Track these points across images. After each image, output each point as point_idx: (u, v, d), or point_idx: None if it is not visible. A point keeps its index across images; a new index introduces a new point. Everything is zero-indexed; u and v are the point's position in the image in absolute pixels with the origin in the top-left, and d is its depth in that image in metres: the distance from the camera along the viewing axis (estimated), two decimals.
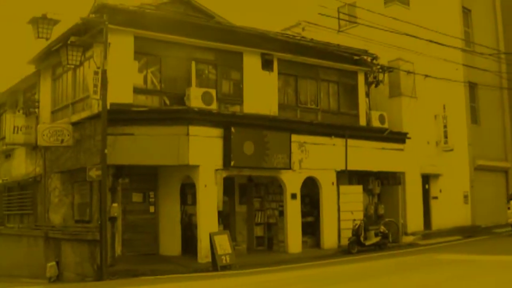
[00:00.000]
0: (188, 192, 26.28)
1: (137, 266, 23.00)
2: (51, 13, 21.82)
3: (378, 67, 31.83)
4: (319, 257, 25.83)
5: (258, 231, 28.71)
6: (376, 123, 30.79)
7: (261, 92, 27.31)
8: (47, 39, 22.24)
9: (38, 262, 28.78)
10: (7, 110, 34.38)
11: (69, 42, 23.35)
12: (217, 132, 24.36)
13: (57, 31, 23.73)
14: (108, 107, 22.61)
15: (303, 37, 30.32)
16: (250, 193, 28.82)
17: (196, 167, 23.85)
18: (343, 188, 29.09)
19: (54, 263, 26.70)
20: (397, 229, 30.10)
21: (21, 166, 31.94)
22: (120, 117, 23.29)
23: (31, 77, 30.80)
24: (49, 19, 21.51)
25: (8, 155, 34.14)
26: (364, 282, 17.64)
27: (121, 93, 23.53)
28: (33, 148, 29.85)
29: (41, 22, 21.47)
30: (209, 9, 30.05)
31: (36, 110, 29.75)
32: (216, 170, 24.24)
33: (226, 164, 24.35)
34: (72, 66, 24.36)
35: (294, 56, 28.46)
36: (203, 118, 24.12)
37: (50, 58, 27.82)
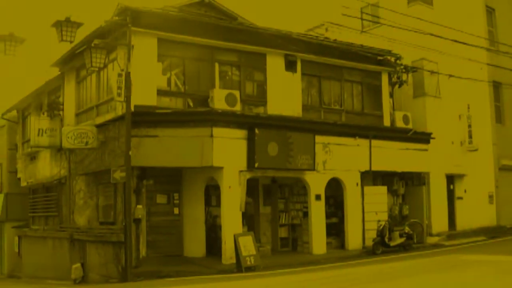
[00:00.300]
0: (212, 194, 26.32)
1: (161, 267, 23.07)
2: (74, 16, 21.87)
3: (402, 67, 31.71)
4: (344, 258, 25.79)
5: (283, 232, 28.69)
6: (400, 124, 30.68)
7: (285, 93, 27.29)
8: (71, 42, 22.28)
9: (63, 263, 28.94)
10: (31, 113, 34.61)
11: (92, 44, 23.45)
12: (241, 133, 24.35)
13: (81, 34, 23.85)
14: (132, 109, 22.72)
15: (326, 37, 30.32)
16: (274, 194, 28.80)
17: (220, 168, 23.86)
18: (367, 189, 28.98)
19: (79, 264, 26.85)
20: (421, 229, 29.96)
21: (46, 169, 32.12)
22: (144, 119, 23.40)
23: (55, 79, 30.98)
24: (73, 22, 21.53)
25: (33, 157, 34.36)
26: (390, 282, 17.53)
27: (145, 95, 23.63)
28: (57, 150, 29.98)
29: (64, 25, 21.49)
30: (231, 11, 30.12)
31: (61, 112, 29.89)
32: (240, 171, 24.24)
33: (250, 165, 24.34)
34: (96, 69, 24.43)
35: (318, 57, 28.43)
36: (227, 119, 24.15)
37: (74, 61, 27.97)
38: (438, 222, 32.71)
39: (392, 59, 31.30)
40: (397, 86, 32.00)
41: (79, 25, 21.89)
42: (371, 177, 29.82)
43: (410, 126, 30.86)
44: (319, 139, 26.61)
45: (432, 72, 32.48)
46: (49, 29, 22.16)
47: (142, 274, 22.35)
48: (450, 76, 32.13)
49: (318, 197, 26.87)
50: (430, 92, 33.12)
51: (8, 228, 39.10)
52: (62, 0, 43.02)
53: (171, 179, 25.68)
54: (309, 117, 27.96)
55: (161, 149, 23.27)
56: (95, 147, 25.59)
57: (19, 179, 37.01)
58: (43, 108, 32.49)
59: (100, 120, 25.95)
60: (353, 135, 28.22)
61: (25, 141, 35.92)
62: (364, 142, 28.50)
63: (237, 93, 25.01)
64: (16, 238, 37.86)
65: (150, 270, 22.72)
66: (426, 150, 31.30)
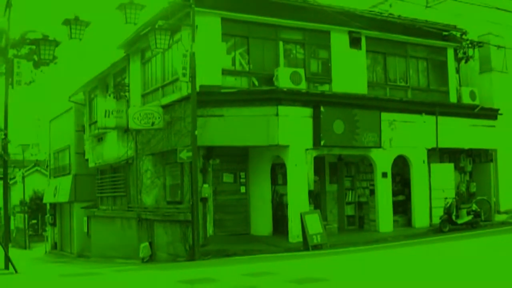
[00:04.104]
0: (278, 172, 26.37)
1: (228, 246, 23.25)
2: None
3: (468, 42, 31.15)
4: (411, 236, 25.57)
5: (349, 210, 28.59)
6: (466, 100, 30.22)
7: (350, 71, 27.11)
8: (135, 23, 22.51)
9: (132, 243, 29.41)
10: (98, 95, 35.05)
11: (157, 26, 23.59)
12: (306, 111, 24.34)
13: (146, 16, 24.06)
14: (198, 89, 22.84)
15: (390, 14, 29.94)
16: (341, 172, 28.69)
17: (286, 147, 23.89)
18: (434, 166, 28.67)
19: (147, 243, 27.26)
20: (489, 207, 29.51)
21: (113, 149, 32.53)
22: (209, 98, 23.52)
23: (120, 61, 31.32)
24: (136, 4, 21.79)
25: (100, 138, 34.82)
26: (459, 260, 17.40)
27: (210, 75, 23.78)
28: (124, 131, 30.38)
29: (128, 7, 21.74)
30: None
31: (127, 94, 30.23)
32: (306, 149, 24.23)
33: (316, 143, 24.30)
34: (161, 50, 24.56)
35: (382, 33, 28.09)
36: (292, 98, 24.14)
37: (139, 43, 28.23)
38: (506, 199, 32.12)
39: (458, 34, 30.76)
40: (463, 61, 31.49)
41: (142, 7, 22.10)
42: (437, 154, 29.48)
43: (477, 102, 30.37)
44: (385, 116, 26.39)
45: (498, 47, 31.88)
46: (114, 12, 22.43)
47: (209, 253, 22.52)
48: None
49: (384, 175, 26.70)
50: (497, 67, 32.52)
51: (77, 209, 39.82)
52: None
53: (237, 158, 25.79)
54: (374, 94, 27.78)
55: (226, 128, 23.41)
56: (161, 127, 25.83)
57: (87, 160, 37.57)
58: (109, 90, 32.90)
59: (165, 100, 26.20)
60: (419, 112, 27.92)
61: (92, 123, 36.43)
62: (430, 119, 28.17)
63: (301, 71, 24.97)
64: (85, 219, 38.52)
65: (217, 249, 22.91)
66: (493, 126, 30.76)
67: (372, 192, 27.27)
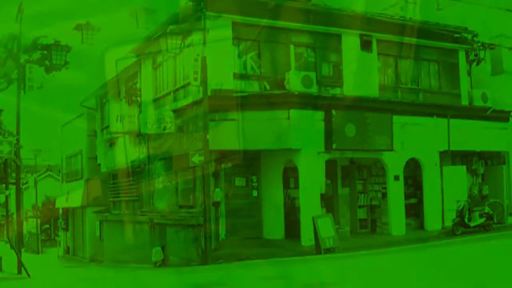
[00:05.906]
0: (290, 176, 26.27)
1: (241, 249, 23.26)
2: (149, 3, 22.29)
3: (479, 44, 31.05)
4: (423, 239, 25.48)
5: (361, 214, 28.54)
6: (478, 102, 30.07)
7: (361, 74, 27.03)
8: (146, 28, 22.65)
9: (144, 247, 29.40)
10: (109, 100, 35.08)
11: (168, 30, 23.65)
12: (318, 115, 24.29)
13: (157, 21, 24.14)
14: (209, 93, 22.84)
15: (401, 16, 29.92)
16: (353, 176, 28.67)
17: (297, 150, 23.87)
18: (446, 168, 28.59)
19: (159, 248, 27.28)
20: (502, 209, 29.36)
21: (125, 154, 32.51)
22: (221, 103, 23.52)
23: (132, 66, 31.33)
24: (147, 10, 21.97)
25: (112, 143, 34.87)
26: (472, 263, 17.36)
27: (221, 79, 23.79)
28: (136, 136, 30.37)
29: (139, 12, 21.91)
30: None
31: (138, 98, 30.24)
32: (318, 153, 24.20)
33: (328, 147, 24.27)
34: (172, 54, 24.65)
35: (393, 36, 28.07)
36: (303, 101, 24.10)
37: (150, 47, 28.22)
38: None
39: (469, 37, 30.68)
40: (474, 63, 31.39)
41: (153, 11, 22.25)
42: (450, 157, 29.38)
43: (489, 104, 30.21)
44: (396, 119, 26.30)
45: (510, 49, 31.79)
46: (127, 16, 22.58)
47: (222, 257, 22.57)
48: None
49: (396, 178, 26.62)
50: (508, 69, 32.39)
51: (89, 213, 39.95)
52: None
53: (249, 162, 25.74)
54: (386, 97, 27.71)
55: (238, 132, 23.40)
56: (173, 132, 25.89)
57: (99, 165, 37.63)
58: (121, 95, 32.93)
59: (177, 105, 26.24)
60: (431, 115, 27.83)
61: (104, 128, 36.49)
62: (442, 122, 28.07)
63: (313, 75, 24.93)
64: (98, 223, 38.60)
65: (230, 253, 22.94)
66: (505, 128, 30.64)
67: (384, 195, 27.27)
